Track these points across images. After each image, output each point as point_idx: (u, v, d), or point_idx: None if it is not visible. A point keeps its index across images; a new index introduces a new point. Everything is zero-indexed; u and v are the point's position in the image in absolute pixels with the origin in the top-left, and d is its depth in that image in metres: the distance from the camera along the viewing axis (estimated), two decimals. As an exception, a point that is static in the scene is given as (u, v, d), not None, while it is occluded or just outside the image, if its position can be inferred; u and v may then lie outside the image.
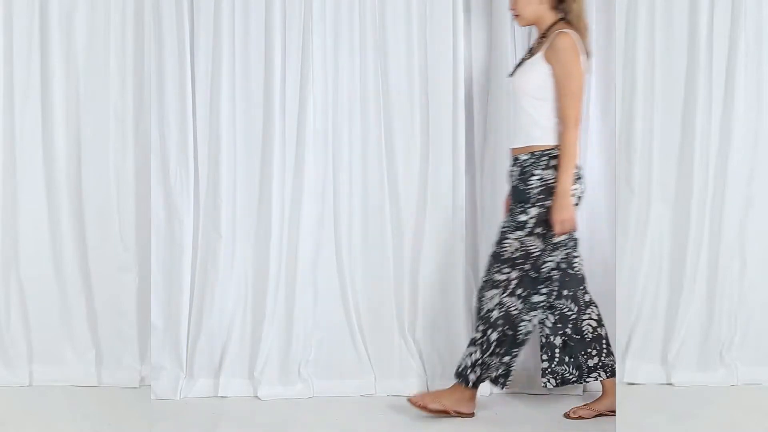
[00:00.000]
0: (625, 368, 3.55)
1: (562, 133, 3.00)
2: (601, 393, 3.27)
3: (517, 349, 3.16)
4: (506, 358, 3.16)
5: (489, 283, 3.15)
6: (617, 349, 3.51)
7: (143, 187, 3.46)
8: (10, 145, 3.51)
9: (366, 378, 3.50)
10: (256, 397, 3.45)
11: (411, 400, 3.19)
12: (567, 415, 3.22)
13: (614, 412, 3.17)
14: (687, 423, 3.17)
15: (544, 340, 3.26)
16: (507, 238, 3.08)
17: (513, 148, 3.15)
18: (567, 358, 3.22)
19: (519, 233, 3.06)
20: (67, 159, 3.51)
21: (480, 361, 3.14)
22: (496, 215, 3.37)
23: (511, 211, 3.12)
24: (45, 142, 3.51)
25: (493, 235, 3.19)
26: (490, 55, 3.52)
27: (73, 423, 3.18)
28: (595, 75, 3.49)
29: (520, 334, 3.13)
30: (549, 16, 3.08)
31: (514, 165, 3.13)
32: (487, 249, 3.33)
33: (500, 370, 3.19)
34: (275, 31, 3.43)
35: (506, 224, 3.12)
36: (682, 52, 3.52)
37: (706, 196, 3.53)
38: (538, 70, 3.03)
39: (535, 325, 3.18)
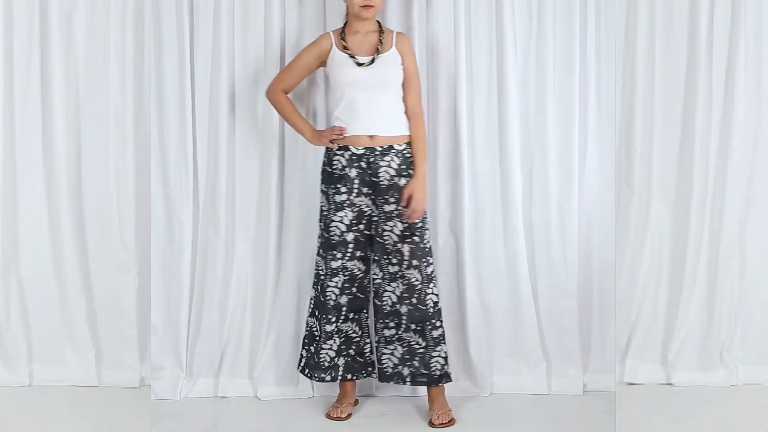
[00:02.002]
0: (625, 368, 3.55)
1: (417, 123, 3.18)
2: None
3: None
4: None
5: (425, 279, 3.19)
6: (617, 349, 3.52)
7: (143, 187, 3.46)
8: (10, 145, 3.51)
9: (366, 378, 3.49)
10: (256, 397, 3.46)
11: (329, 416, 3.27)
12: (338, 417, 3.25)
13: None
14: (687, 423, 3.17)
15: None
16: (424, 230, 3.20)
17: (384, 136, 3.15)
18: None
19: (427, 221, 3.22)
20: (67, 159, 3.51)
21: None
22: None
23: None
24: (45, 142, 3.51)
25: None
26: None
27: (73, 423, 3.19)
28: (595, 75, 3.49)
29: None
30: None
31: (386, 154, 3.14)
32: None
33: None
34: (274, 31, 3.43)
35: (420, 219, 3.17)
36: (682, 52, 3.52)
37: (706, 196, 3.53)
38: (398, 63, 3.16)
39: None
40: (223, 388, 3.48)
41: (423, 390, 3.33)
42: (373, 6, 3.12)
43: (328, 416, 3.25)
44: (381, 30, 3.21)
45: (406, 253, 3.15)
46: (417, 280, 3.16)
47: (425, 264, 3.18)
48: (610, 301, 3.47)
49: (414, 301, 3.17)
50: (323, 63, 3.23)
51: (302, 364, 3.31)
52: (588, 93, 3.50)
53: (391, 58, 3.16)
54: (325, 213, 3.21)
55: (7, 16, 3.47)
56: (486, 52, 3.47)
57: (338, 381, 3.29)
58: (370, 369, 3.34)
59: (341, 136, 3.15)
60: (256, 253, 3.51)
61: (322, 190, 3.23)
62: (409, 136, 3.18)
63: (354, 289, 3.22)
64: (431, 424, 3.17)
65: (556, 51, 3.48)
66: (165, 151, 3.47)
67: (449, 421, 3.17)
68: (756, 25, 3.49)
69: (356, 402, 3.35)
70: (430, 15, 3.43)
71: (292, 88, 3.31)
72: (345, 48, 3.17)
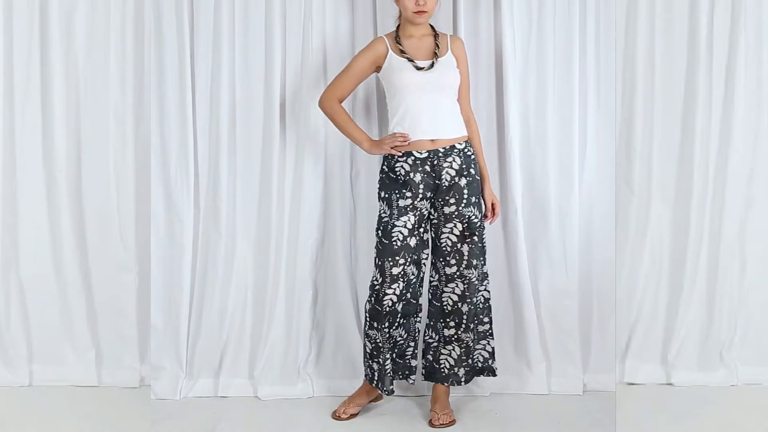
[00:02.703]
0: (625, 368, 3.55)
1: (472, 124, 3.26)
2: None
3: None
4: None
5: (482, 277, 3.26)
6: (617, 349, 3.52)
7: (143, 187, 3.46)
8: (10, 145, 3.51)
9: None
10: (256, 397, 3.46)
11: (333, 416, 3.25)
12: (338, 417, 3.23)
13: (378, 398, 3.32)
14: (687, 423, 3.17)
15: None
16: (483, 230, 3.24)
17: (446, 138, 3.15)
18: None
19: (483, 220, 3.25)
20: (67, 159, 3.51)
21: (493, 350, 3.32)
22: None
23: (477, 205, 3.19)
24: (45, 142, 3.51)
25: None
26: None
27: (73, 423, 3.18)
28: (595, 75, 3.49)
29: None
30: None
31: (448, 155, 3.14)
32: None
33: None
34: (275, 31, 3.43)
35: (478, 218, 3.19)
36: (682, 52, 3.52)
37: (706, 196, 3.53)
38: (455, 67, 3.19)
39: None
40: (223, 388, 3.48)
41: (426, 389, 3.33)
42: (426, 12, 3.12)
43: (335, 413, 3.25)
44: (436, 33, 3.21)
45: (466, 253, 3.17)
46: (477, 279, 3.20)
47: (482, 263, 3.23)
48: (610, 301, 3.47)
49: (474, 300, 3.20)
50: (378, 68, 3.21)
51: (376, 378, 3.24)
52: (588, 93, 3.50)
53: (448, 61, 3.17)
54: (386, 219, 3.16)
55: (7, 16, 3.47)
56: (486, 52, 3.47)
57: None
58: (407, 372, 3.31)
59: (405, 143, 3.14)
60: (256, 253, 3.51)
61: (382, 197, 3.19)
62: (467, 136, 3.20)
63: (408, 295, 3.21)
64: (431, 424, 3.16)
65: (556, 51, 3.48)
66: (165, 151, 3.47)
67: (450, 422, 3.17)
68: (756, 25, 3.50)
69: (379, 397, 3.35)
70: (430, 15, 3.43)
71: (348, 95, 3.30)
72: (402, 52, 3.15)
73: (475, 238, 3.18)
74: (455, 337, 3.22)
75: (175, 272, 3.49)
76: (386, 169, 3.19)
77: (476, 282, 3.21)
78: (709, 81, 3.50)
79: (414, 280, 3.21)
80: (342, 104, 3.28)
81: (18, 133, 3.51)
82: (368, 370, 3.26)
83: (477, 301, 3.23)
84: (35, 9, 3.46)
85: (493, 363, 3.31)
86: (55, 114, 3.49)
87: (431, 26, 3.23)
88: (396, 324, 3.20)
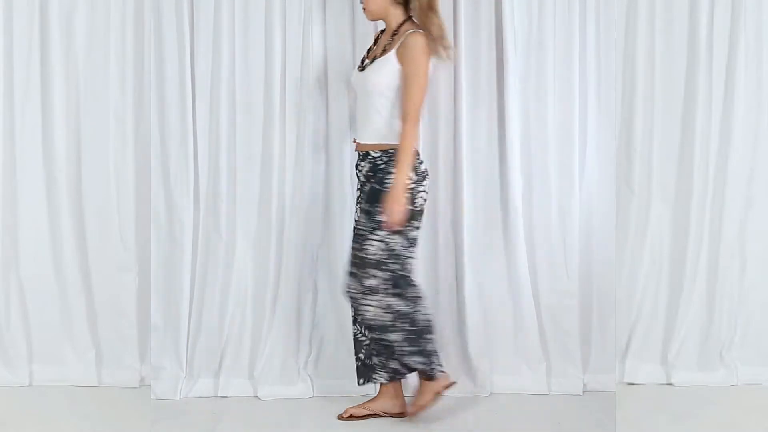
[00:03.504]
0: (625, 368, 3.55)
1: (402, 128, 3.02)
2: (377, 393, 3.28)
3: (428, 336, 3.13)
4: (428, 346, 3.13)
5: (362, 290, 3.08)
6: (617, 349, 3.52)
7: (143, 187, 3.46)
8: (10, 145, 3.51)
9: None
10: (256, 397, 3.46)
11: (340, 417, 3.22)
12: (340, 417, 3.21)
13: (388, 413, 3.20)
14: (687, 423, 3.17)
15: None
16: (369, 240, 3.07)
17: (361, 143, 3.15)
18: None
19: (381, 233, 3.05)
20: (67, 159, 3.51)
21: (382, 362, 3.21)
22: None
23: (367, 213, 3.09)
24: (45, 142, 3.51)
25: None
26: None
27: (73, 423, 3.18)
28: (595, 75, 3.49)
29: (420, 324, 3.11)
30: (397, 13, 3.10)
31: (363, 160, 3.15)
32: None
33: (431, 358, 3.14)
34: (275, 31, 3.43)
35: (364, 226, 3.09)
36: (682, 52, 3.52)
37: (706, 196, 3.53)
38: (391, 68, 3.05)
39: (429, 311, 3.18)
40: (223, 388, 3.47)
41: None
42: (365, 8, 3.11)
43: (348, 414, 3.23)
44: (396, 31, 3.10)
45: (350, 257, 3.13)
46: (357, 292, 3.11)
47: (365, 275, 3.07)
48: (610, 301, 3.47)
49: (361, 309, 3.13)
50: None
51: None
52: (588, 93, 3.50)
53: (384, 63, 3.08)
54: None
55: (7, 16, 3.47)
56: (486, 52, 3.47)
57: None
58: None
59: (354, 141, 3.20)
60: (256, 253, 3.51)
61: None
62: (389, 144, 3.08)
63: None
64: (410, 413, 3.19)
65: (556, 51, 3.48)
66: (165, 151, 3.46)
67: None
68: (756, 25, 3.50)
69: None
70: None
71: None
72: (369, 48, 3.17)
73: (357, 245, 3.09)
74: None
75: (175, 272, 3.49)
76: None
77: (357, 295, 3.09)
78: (709, 81, 3.50)
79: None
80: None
81: (18, 133, 3.51)
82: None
83: (364, 311, 3.10)
84: (35, 9, 3.46)
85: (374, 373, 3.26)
86: (55, 114, 3.49)
87: (403, 22, 3.09)
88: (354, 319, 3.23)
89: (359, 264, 3.08)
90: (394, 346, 3.11)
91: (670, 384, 3.53)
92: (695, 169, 3.52)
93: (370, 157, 3.12)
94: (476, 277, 3.50)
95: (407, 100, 3.03)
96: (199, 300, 3.50)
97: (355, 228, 3.15)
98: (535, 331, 3.51)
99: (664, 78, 3.52)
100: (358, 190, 3.23)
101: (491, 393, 3.48)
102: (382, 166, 3.09)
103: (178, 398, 3.43)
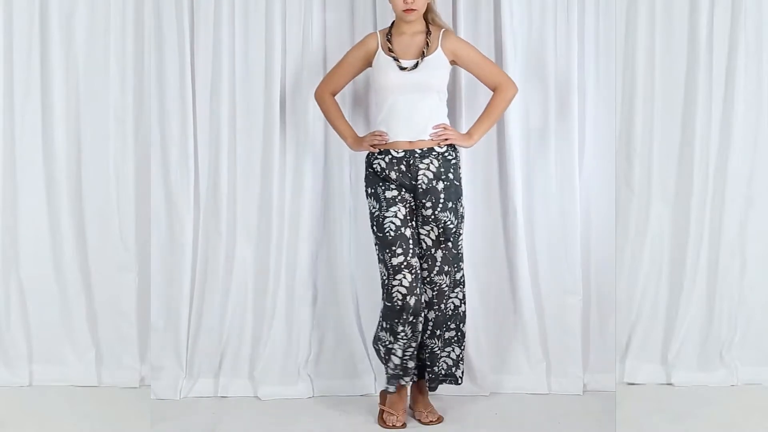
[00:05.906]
0: (625, 368, 3.55)
1: (505, 86, 3.22)
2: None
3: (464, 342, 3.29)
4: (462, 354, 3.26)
5: (453, 284, 3.18)
6: (617, 349, 3.52)
7: (143, 187, 3.46)
8: (10, 145, 3.51)
9: (366, 378, 3.50)
10: (256, 397, 3.46)
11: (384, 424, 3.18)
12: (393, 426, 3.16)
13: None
14: (687, 423, 3.17)
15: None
16: (461, 236, 3.19)
17: (419, 141, 3.12)
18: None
19: (462, 226, 3.19)
20: (67, 159, 3.51)
21: (461, 355, 3.25)
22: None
23: (454, 211, 3.13)
24: (45, 142, 3.51)
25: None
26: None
27: (73, 423, 3.19)
28: (595, 75, 3.49)
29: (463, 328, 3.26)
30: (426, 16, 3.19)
31: (424, 158, 3.12)
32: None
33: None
34: (275, 31, 3.43)
35: (452, 223, 3.13)
36: (682, 52, 3.52)
37: (706, 196, 3.53)
38: (444, 63, 3.14)
39: None
40: (223, 388, 3.48)
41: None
42: (415, 9, 3.09)
43: (384, 424, 3.16)
44: (428, 31, 3.15)
45: (438, 259, 3.14)
46: (447, 286, 3.17)
47: (456, 269, 3.19)
48: (610, 301, 3.47)
49: (442, 306, 3.17)
50: (369, 64, 3.20)
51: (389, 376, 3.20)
52: (588, 93, 3.50)
53: (435, 61, 3.13)
54: (377, 213, 3.14)
55: (7, 16, 3.47)
56: (486, 52, 3.46)
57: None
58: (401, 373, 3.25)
59: (383, 142, 3.13)
60: (256, 253, 3.51)
61: (369, 194, 3.18)
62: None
63: (418, 290, 3.10)
64: (422, 422, 3.18)
65: (557, 51, 3.48)
66: (165, 151, 3.47)
67: (438, 419, 3.18)
68: (756, 25, 3.50)
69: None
70: (430, 15, 3.43)
71: (340, 89, 3.29)
72: (390, 50, 3.14)
73: (450, 244, 3.15)
74: (421, 342, 3.19)
75: (175, 272, 3.49)
76: (367, 165, 3.20)
77: (446, 289, 3.17)
78: (709, 81, 3.50)
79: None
80: (338, 99, 3.29)
81: (18, 133, 3.51)
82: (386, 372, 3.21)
83: (445, 308, 3.19)
84: (35, 9, 3.46)
85: (456, 371, 3.25)
86: (55, 114, 3.49)
87: (427, 22, 3.19)
88: (406, 321, 3.10)
89: (450, 260, 3.15)
90: (450, 340, 3.20)
91: (670, 384, 3.53)
92: (695, 168, 3.52)
93: (434, 153, 3.12)
94: (476, 277, 3.50)
95: (491, 66, 3.25)
96: (199, 300, 3.51)
97: (429, 231, 3.13)
98: (535, 331, 3.51)
99: (664, 78, 3.52)
100: (403, 188, 3.13)
101: (491, 393, 3.48)
102: (453, 160, 3.14)
103: (178, 398, 3.44)
